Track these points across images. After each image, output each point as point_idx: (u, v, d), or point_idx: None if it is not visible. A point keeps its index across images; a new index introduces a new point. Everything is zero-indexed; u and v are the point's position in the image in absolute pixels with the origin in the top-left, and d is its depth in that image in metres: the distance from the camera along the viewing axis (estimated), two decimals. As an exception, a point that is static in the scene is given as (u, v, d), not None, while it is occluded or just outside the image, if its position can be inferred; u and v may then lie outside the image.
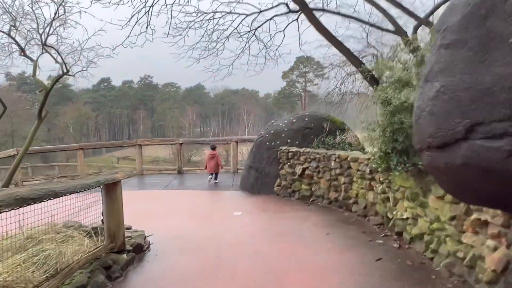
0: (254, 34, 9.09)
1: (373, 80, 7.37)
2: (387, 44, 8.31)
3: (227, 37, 8.97)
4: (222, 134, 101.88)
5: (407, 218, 5.25)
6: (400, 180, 5.20)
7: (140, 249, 5.38)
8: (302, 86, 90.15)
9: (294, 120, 9.76)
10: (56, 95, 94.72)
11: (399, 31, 7.30)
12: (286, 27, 8.93)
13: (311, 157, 8.14)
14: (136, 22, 8.46)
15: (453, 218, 4.11)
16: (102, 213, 5.10)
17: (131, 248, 5.20)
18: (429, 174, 4.56)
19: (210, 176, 11.51)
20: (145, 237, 5.83)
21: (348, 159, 6.97)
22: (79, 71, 9.72)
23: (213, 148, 11.89)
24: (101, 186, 4.86)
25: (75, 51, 9.40)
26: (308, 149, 8.39)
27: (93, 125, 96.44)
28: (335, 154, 7.43)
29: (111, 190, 5.03)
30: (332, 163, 7.47)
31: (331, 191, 7.64)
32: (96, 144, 12.56)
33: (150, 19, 8.57)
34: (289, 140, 9.46)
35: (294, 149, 8.78)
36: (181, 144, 13.26)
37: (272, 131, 9.74)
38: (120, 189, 5.22)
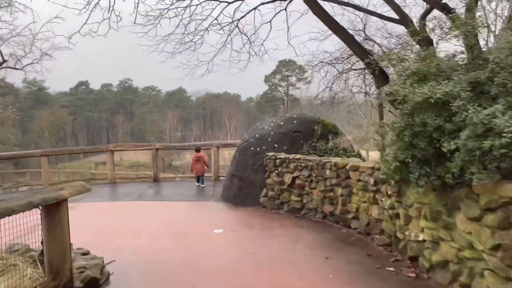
0: (237, 25, 8.09)
1: (381, 74, 6.47)
2: (387, 36, 7.45)
3: (206, 28, 7.94)
4: (204, 138, 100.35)
5: (424, 241, 4.32)
6: (415, 195, 4.27)
7: (94, 285, 4.27)
8: (284, 90, 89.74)
9: (282, 123, 8.80)
10: (32, 98, 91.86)
11: (404, 19, 6.43)
12: (272, 18, 7.97)
13: (302, 164, 7.17)
14: (95, 6, 7.29)
15: (497, 247, 3.19)
16: (42, 242, 3.98)
17: (82, 285, 4.09)
18: (456, 188, 3.65)
19: (197, 181, 11.01)
20: (103, 266, 4.71)
21: (347, 167, 6.02)
22: (28, 64, 8.43)
23: (198, 151, 11.28)
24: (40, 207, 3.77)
25: (13, 36, 8.07)
26: (298, 156, 7.42)
27: (70, 129, 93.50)
28: (330, 161, 6.48)
29: (53, 212, 3.94)
30: (327, 172, 6.51)
31: (326, 204, 6.69)
32: (62, 150, 11.33)
33: (114, 3, 7.44)
34: (276, 145, 8.49)
35: (283, 155, 7.80)
36: (157, 149, 12.12)
37: (257, 135, 8.74)
38: (65, 210, 4.13)
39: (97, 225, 7.24)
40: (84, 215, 8.07)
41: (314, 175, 6.90)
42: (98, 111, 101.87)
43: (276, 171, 7.87)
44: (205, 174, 11.27)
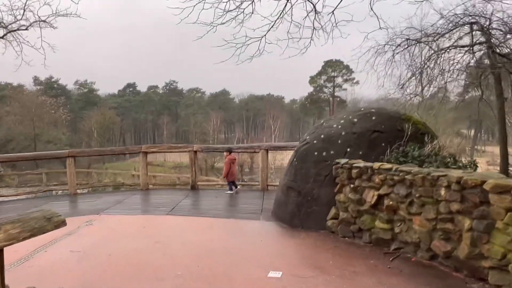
0: (299, -12, 6.06)
1: None
2: None
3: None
4: (246, 140, 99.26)
5: None
6: None
7: None
8: (330, 91, 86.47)
9: (355, 120, 6.61)
10: (82, 100, 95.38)
11: None
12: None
13: (395, 178, 4.95)
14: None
15: None
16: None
17: None
18: None
19: (232, 187, 9.59)
20: None
21: (486, 187, 3.74)
22: (10, 32, 6.75)
23: (230, 151, 9.76)
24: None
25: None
26: (388, 165, 5.19)
27: (118, 130, 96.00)
28: (447, 175, 4.22)
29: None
30: (442, 192, 4.26)
31: (437, 239, 4.43)
32: (90, 151, 10.02)
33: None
34: (348, 149, 6.32)
35: (362, 163, 5.62)
36: (195, 152, 10.34)
37: (322, 136, 6.61)
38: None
39: (110, 251, 5.47)
40: (100, 234, 6.35)
41: (416, 195, 4.66)
42: (144, 112, 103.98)
43: (351, 185, 5.71)
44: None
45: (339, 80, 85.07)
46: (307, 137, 6.81)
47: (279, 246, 5.58)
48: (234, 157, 9.74)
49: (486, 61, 7.91)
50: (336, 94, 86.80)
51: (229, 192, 9.43)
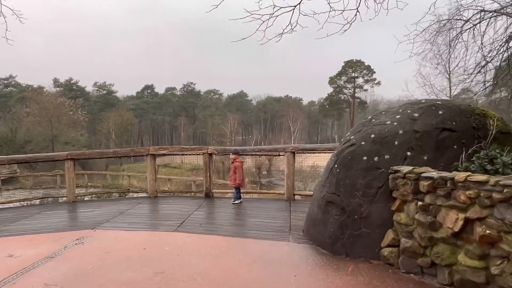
0: None
1: None
2: None
3: None
4: (264, 142, 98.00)
5: None
6: None
7: None
8: (350, 92, 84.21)
9: (416, 115, 5.07)
10: (101, 101, 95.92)
11: None
12: None
13: (496, 195, 3.41)
14: None
15: None
16: None
17: None
18: None
19: (241, 195, 8.29)
20: None
21: None
22: None
23: (238, 153, 8.32)
24: None
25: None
26: (480, 177, 3.64)
27: (136, 132, 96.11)
28: None
29: None
30: None
31: None
32: (91, 153, 8.75)
33: None
34: (409, 153, 4.80)
35: (435, 173, 4.09)
36: (210, 154, 8.96)
37: (372, 136, 5.10)
38: None
39: (97, 284, 4.12)
40: (89, 258, 5.01)
41: (534, 223, 3.14)
42: (162, 114, 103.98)
43: (419, 202, 4.19)
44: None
45: (359, 80, 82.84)
46: (351, 137, 5.28)
47: (321, 284, 4.08)
48: (243, 160, 8.39)
49: None
50: (356, 95, 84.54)
51: (237, 201, 8.07)
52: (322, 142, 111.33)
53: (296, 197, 8.15)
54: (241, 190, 8.25)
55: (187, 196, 9.30)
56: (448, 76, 30.18)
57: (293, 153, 7.94)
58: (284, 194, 8.24)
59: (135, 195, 10.41)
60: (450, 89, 30.26)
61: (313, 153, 7.68)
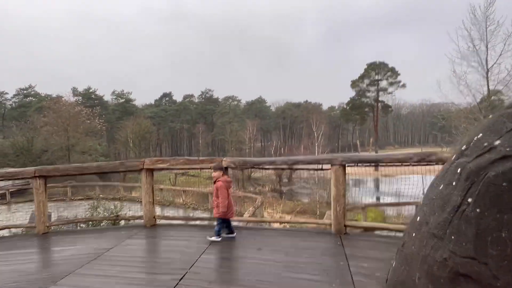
0: None
1: None
2: None
3: None
4: (284, 148, 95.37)
5: None
6: None
7: None
8: (373, 95, 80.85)
9: None
10: (119, 110, 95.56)
11: None
12: None
13: None
14: None
15: None
16: None
17: None
18: None
19: (217, 230, 5.59)
20: None
21: None
22: None
23: (222, 169, 5.77)
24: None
25: None
26: None
27: (154, 140, 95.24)
28: None
29: None
30: None
31: None
32: (65, 169, 6.56)
33: None
34: None
35: None
36: (226, 168, 6.57)
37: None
38: None
39: None
40: None
41: None
42: (180, 121, 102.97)
43: None
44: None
45: (383, 83, 79.47)
46: (497, 142, 2.76)
47: None
48: (230, 179, 5.70)
49: None
50: (380, 98, 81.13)
51: (214, 238, 5.48)
52: (343, 148, 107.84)
53: (348, 228, 5.65)
54: (229, 222, 5.72)
55: (196, 226, 6.89)
56: (486, 75, 27.28)
57: (343, 166, 5.48)
58: (330, 224, 5.73)
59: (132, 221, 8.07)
60: (488, 88, 27.21)
61: (375, 166, 5.17)
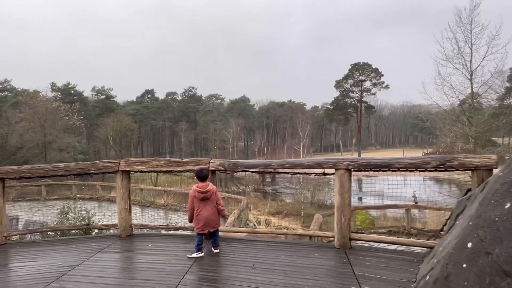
0: None
1: None
2: None
3: None
4: (267, 147, 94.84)
5: None
6: None
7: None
8: (357, 96, 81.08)
9: None
10: (99, 106, 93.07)
11: None
12: None
13: None
14: None
15: None
16: None
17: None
18: None
19: (197, 245, 4.77)
20: None
21: None
22: None
23: (205, 177, 4.94)
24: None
25: None
26: None
27: (135, 137, 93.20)
28: None
29: None
30: None
31: None
32: (27, 170, 5.64)
33: None
34: None
35: None
36: (213, 172, 5.77)
37: None
38: None
39: None
40: None
41: None
42: (162, 119, 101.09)
43: None
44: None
45: (367, 84, 79.75)
46: None
47: None
48: (206, 189, 4.79)
49: None
50: (363, 99, 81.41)
51: (194, 255, 4.71)
52: (326, 148, 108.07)
53: (354, 243, 4.97)
54: (209, 236, 4.93)
55: (178, 236, 6.09)
56: (470, 77, 27.26)
57: (349, 171, 4.80)
58: (333, 238, 5.03)
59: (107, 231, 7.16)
60: (472, 90, 27.20)
61: (385, 171, 4.50)
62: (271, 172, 5.21)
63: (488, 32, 24.88)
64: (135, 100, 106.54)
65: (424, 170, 4.45)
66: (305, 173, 5.06)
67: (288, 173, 5.14)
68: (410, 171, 4.51)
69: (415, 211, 16.22)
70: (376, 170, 4.74)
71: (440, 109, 30.31)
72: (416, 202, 18.18)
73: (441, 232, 4.50)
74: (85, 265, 4.61)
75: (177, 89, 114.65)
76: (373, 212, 24.37)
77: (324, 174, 5.03)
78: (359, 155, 69.51)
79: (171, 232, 6.14)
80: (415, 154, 69.17)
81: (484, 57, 25.44)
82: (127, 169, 5.97)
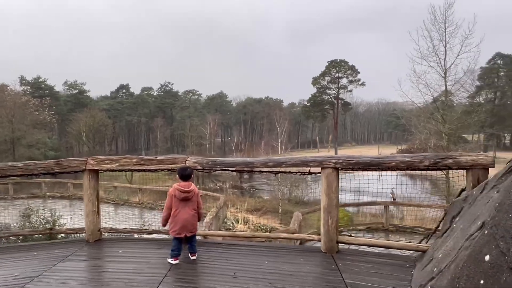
0: None
1: None
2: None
3: None
4: (245, 144, 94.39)
5: None
6: None
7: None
8: (334, 93, 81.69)
9: None
10: (72, 101, 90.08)
11: None
12: None
13: None
14: None
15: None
16: None
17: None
18: None
19: (177, 250, 4.38)
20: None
21: None
22: None
23: (189, 176, 4.50)
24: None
25: None
26: None
27: (110, 133, 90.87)
28: None
29: None
30: None
31: None
32: None
33: None
34: None
35: None
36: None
37: None
38: None
39: None
40: None
41: None
42: (138, 115, 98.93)
43: None
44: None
45: (343, 81, 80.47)
46: None
47: None
48: (189, 189, 4.37)
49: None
50: (340, 96, 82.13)
51: (169, 260, 4.35)
52: (303, 145, 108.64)
53: (341, 247, 4.68)
54: (188, 241, 4.49)
55: (152, 240, 5.63)
56: (444, 75, 27.75)
57: (337, 170, 4.50)
58: (320, 240, 4.72)
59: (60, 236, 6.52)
60: (446, 88, 27.70)
61: (375, 169, 4.22)
62: (253, 171, 4.84)
63: (462, 31, 25.32)
64: (109, 95, 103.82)
65: (416, 169, 4.19)
66: (289, 172, 4.71)
67: (272, 172, 4.79)
68: (402, 169, 4.24)
69: (392, 207, 16.21)
70: (365, 169, 4.45)
71: (415, 106, 30.80)
72: (394, 199, 18.21)
73: (437, 232, 4.25)
74: (46, 276, 4.12)
75: (153, 84, 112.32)
76: (350, 208, 24.45)
77: (310, 173, 4.70)
78: (336, 151, 70.13)
79: (145, 236, 5.68)
80: (390, 150, 70.51)
81: (458, 55, 25.89)
82: (95, 168, 5.46)
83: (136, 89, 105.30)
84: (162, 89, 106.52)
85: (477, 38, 24.93)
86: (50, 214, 7.68)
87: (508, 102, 72.73)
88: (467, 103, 32.08)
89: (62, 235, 6.19)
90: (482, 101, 61.38)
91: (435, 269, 2.96)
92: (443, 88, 27.74)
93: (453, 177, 4.35)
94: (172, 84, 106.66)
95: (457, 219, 3.59)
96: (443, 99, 28.70)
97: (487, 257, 2.03)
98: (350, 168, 4.48)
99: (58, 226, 7.47)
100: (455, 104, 30.08)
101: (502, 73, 72.29)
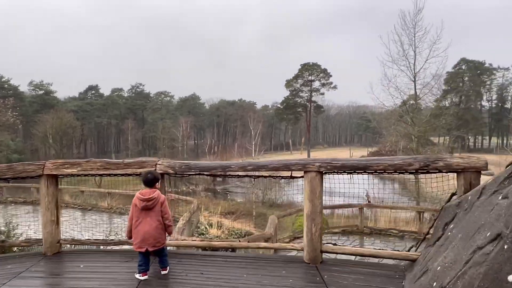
0: None
1: None
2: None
3: None
4: (218, 147, 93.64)
5: None
6: None
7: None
8: (307, 96, 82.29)
9: None
10: (37, 102, 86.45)
11: None
12: None
13: None
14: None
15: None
16: None
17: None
18: None
19: (144, 263, 3.89)
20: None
21: None
22: None
23: (151, 182, 3.99)
24: None
25: None
26: None
27: (78, 136, 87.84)
28: None
29: None
30: None
31: None
32: None
33: None
34: None
35: None
36: (161, 175, 4.87)
37: None
38: None
39: None
40: None
41: None
42: (107, 117, 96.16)
43: None
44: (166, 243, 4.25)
45: (316, 84, 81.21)
46: None
47: None
48: (151, 196, 3.87)
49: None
50: (312, 99, 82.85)
51: (137, 276, 3.91)
52: (275, 147, 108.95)
53: (325, 257, 4.36)
54: (158, 255, 4.06)
55: (118, 252, 5.13)
56: (413, 79, 28.35)
57: (321, 173, 4.19)
58: (302, 250, 4.39)
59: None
60: (416, 91, 28.31)
61: (361, 173, 3.94)
62: (230, 175, 4.46)
63: (430, 36, 25.95)
64: (77, 96, 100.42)
65: (404, 172, 3.94)
66: (269, 176, 4.37)
67: (251, 176, 4.43)
68: (390, 173, 3.97)
69: (366, 209, 16.24)
70: (350, 173, 4.17)
71: (385, 109, 31.32)
72: (369, 201, 18.24)
73: (427, 237, 4.01)
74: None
75: (124, 86, 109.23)
76: (324, 211, 24.46)
77: (292, 177, 4.37)
78: (308, 154, 70.61)
79: (110, 247, 5.17)
80: (361, 153, 71.74)
81: (426, 60, 26.52)
82: (54, 173, 4.93)
83: (106, 90, 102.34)
84: (133, 90, 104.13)
85: (444, 44, 25.62)
86: (4, 224, 6.97)
87: (472, 106, 75.72)
88: (433, 106, 32.93)
89: (17, 248, 5.57)
90: (448, 105, 63.48)
91: (434, 284, 2.68)
92: (412, 92, 28.34)
93: (425, 178, 4.12)
94: (143, 85, 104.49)
95: (451, 226, 3.34)
96: (413, 102, 29.34)
97: (510, 277, 1.74)
98: (335, 172, 4.19)
99: (14, 236, 6.77)
100: (422, 108, 30.82)
101: (466, 78, 75.17)
